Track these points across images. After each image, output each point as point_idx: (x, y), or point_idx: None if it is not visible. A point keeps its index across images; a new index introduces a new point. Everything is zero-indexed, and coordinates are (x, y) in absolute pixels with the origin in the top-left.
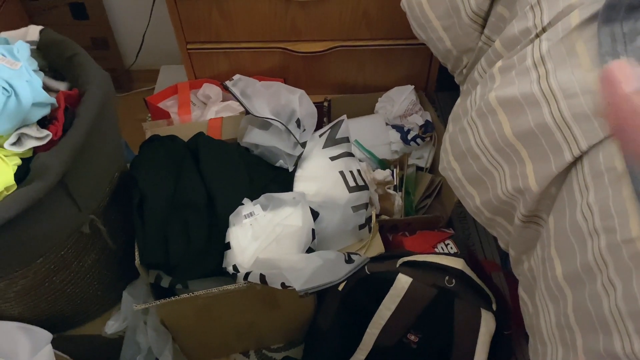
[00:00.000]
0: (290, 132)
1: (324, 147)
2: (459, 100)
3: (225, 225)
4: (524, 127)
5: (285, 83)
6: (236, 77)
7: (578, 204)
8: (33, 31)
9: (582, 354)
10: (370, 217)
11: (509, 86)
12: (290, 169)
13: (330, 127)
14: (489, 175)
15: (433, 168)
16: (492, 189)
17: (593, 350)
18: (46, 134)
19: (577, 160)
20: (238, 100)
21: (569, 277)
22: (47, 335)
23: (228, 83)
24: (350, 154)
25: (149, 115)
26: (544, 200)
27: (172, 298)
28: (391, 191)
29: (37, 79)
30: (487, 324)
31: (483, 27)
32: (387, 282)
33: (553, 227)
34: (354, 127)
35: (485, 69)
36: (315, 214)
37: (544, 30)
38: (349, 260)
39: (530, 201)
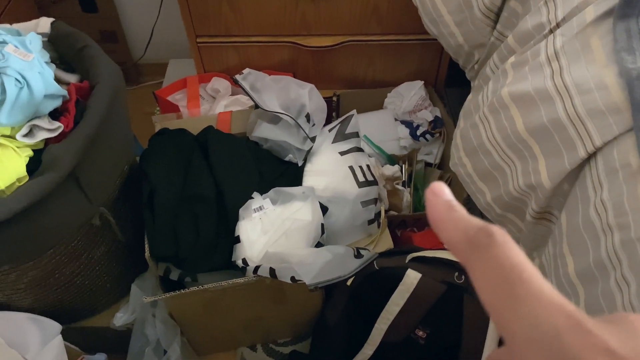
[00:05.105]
0: (299, 126)
1: (334, 141)
2: (470, 95)
3: (235, 219)
4: (537, 122)
5: (294, 77)
6: (246, 71)
7: (591, 201)
8: (44, 23)
9: None
10: (380, 212)
11: (522, 82)
12: (300, 164)
13: (340, 122)
14: (501, 171)
15: (442, 164)
16: (503, 185)
17: None
18: (58, 126)
19: (590, 156)
20: (248, 94)
21: (581, 274)
22: (57, 327)
23: (238, 77)
24: (359, 149)
25: (158, 108)
26: (556, 197)
27: (181, 291)
28: (400, 187)
29: (49, 71)
30: None
31: (495, 22)
32: (396, 277)
33: (565, 223)
34: (363, 123)
35: (497, 64)
36: (324, 209)
37: (558, 25)
38: (358, 255)
39: (542, 197)
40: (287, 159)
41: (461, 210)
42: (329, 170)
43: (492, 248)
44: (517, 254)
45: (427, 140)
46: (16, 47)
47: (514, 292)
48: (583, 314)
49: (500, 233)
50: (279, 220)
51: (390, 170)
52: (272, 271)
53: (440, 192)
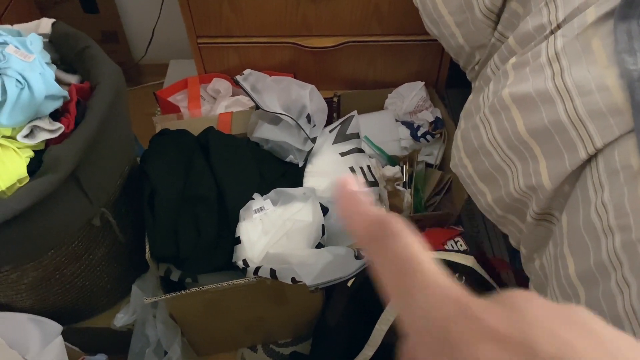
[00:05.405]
0: (300, 127)
1: (334, 142)
2: (471, 96)
3: (235, 220)
4: (537, 124)
5: (294, 78)
6: (247, 71)
7: (592, 202)
8: (45, 24)
9: None
10: None
11: (522, 83)
12: (300, 164)
13: (341, 123)
14: (502, 172)
15: (443, 165)
16: (504, 187)
17: None
18: (58, 127)
19: (591, 158)
20: (248, 95)
21: (582, 276)
22: (57, 327)
23: (239, 78)
24: (360, 150)
25: (158, 109)
26: (557, 198)
27: (182, 292)
28: (400, 188)
29: (50, 72)
30: None
31: (496, 23)
32: None
33: (566, 225)
34: (364, 123)
35: (498, 65)
36: (325, 210)
37: (559, 26)
38: (358, 256)
39: (543, 199)
40: (287, 159)
41: (365, 201)
42: (329, 171)
43: (388, 239)
44: (412, 245)
45: (427, 141)
46: (17, 47)
47: (409, 283)
48: (473, 300)
49: (395, 223)
50: (280, 221)
51: (391, 171)
52: (272, 272)
53: (346, 183)
